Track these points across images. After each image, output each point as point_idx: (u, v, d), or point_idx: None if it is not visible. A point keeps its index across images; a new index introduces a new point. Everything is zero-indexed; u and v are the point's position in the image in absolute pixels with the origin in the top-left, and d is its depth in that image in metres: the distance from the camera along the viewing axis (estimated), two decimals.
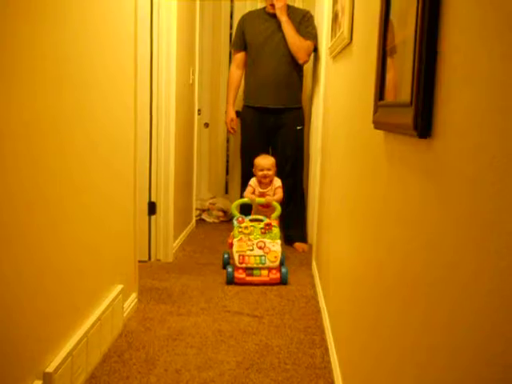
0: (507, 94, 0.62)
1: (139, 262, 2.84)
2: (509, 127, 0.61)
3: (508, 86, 0.62)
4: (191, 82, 4.07)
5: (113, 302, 2.25)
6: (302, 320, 2.60)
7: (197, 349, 2.26)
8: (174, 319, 2.56)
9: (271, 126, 3.93)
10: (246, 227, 3.21)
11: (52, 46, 1.62)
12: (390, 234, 1.17)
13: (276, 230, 3.23)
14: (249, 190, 3.46)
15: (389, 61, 1.17)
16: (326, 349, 2.28)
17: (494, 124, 0.65)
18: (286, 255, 3.50)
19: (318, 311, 2.71)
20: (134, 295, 2.67)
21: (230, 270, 3.08)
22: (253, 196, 3.43)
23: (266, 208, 3.43)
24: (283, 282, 3.08)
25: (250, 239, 3.18)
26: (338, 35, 2.25)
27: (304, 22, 3.76)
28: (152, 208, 3.44)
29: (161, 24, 3.27)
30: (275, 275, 3.08)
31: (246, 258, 3.11)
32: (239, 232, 3.22)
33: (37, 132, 1.55)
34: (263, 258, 3.12)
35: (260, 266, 3.10)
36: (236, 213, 3.37)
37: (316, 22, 3.84)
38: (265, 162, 3.46)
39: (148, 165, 3.38)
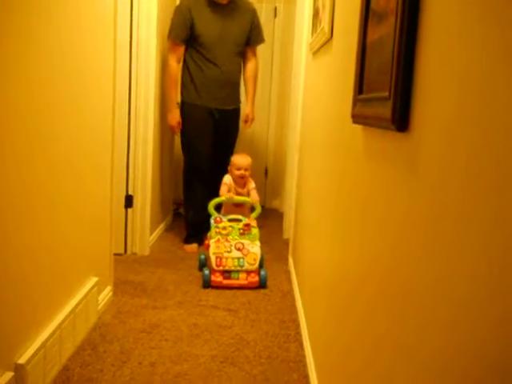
0: (484, 87, 0.63)
1: (115, 255, 2.81)
2: (486, 120, 0.62)
3: (485, 79, 0.63)
4: None
5: (87, 294, 2.23)
6: (278, 314, 2.61)
7: (172, 342, 2.25)
8: (149, 313, 2.55)
9: (218, 124, 3.70)
10: (223, 227, 3.05)
11: (34, 37, 1.59)
12: (372, 229, 1.18)
13: (255, 231, 3.09)
14: (224, 188, 3.27)
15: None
16: (301, 343, 2.29)
17: (470, 117, 0.66)
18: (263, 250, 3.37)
19: (294, 306, 2.72)
20: (109, 288, 2.64)
21: (206, 272, 2.94)
22: (231, 194, 3.25)
23: (241, 207, 3.32)
24: (262, 285, 2.96)
25: (227, 240, 3.02)
26: (318, 31, 2.25)
27: (256, 25, 3.67)
28: (129, 201, 3.41)
29: (141, 12, 3.24)
30: (254, 278, 2.95)
31: (224, 260, 2.96)
32: (216, 232, 3.05)
33: (19, 123, 1.52)
34: (242, 260, 2.97)
35: (238, 268, 2.95)
36: (213, 212, 3.18)
37: (296, 17, 3.85)
38: (243, 161, 3.32)
39: (126, 157, 3.35)
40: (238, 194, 3.31)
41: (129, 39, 3.24)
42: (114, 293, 2.73)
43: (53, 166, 1.84)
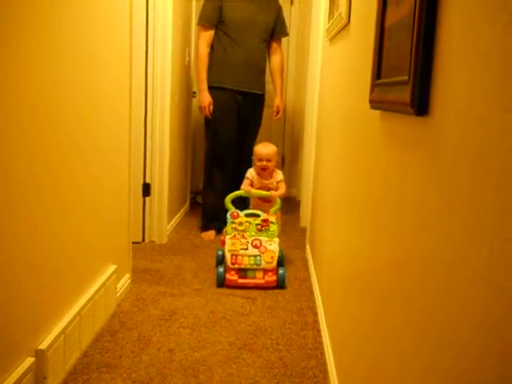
0: (506, 69, 0.61)
1: (133, 243, 2.83)
2: (508, 103, 0.60)
3: (508, 61, 0.61)
4: (187, 63, 4.04)
5: (106, 281, 2.25)
6: (295, 302, 2.62)
7: (190, 329, 2.27)
8: (167, 300, 2.57)
9: (242, 108, 3.73)
10: (240, 223, 2.88)
11: (47, 32, 1.59)
12: (388, 216, 1.17)
13: (274, 227, 2.90)
14: (246, 182, 3.09)
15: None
16: (319, 330, 2.30)
17: (492, 100, 0.65)
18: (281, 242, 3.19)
19: (311, 293, 2.72)
20: (127, 276, 2.67)
21: (220, 270, 2.79)
22: (249, 188, 3.05)
23: (267, 203, 3.08)
24: (280, 285, 2.77)
25: (244, 237, 2.86)
26: (335, 17, 2.23)
27: (280, 19, 3.80)
28: (146, 189, 3.43)
29: (156, 3, 3.24)
30: (271, 278, 2.77)
31: (239, 257, 2.80)
32: (232, 228, 2.88)
33: (32, 119, 1.53)
34: (258, 258, 2.80)
35: (254, 267, 2.78)
36: (231, 206, 3.00)
37: (313, 4, 3.83)
38: (265, 151, 3.07)
39: (143, 146, 3.36)
40: (264, 186, 3.09)
41: (145, 26, 3.24)
42: (133, 280, 2.75)
43: (67, 157, 1.85)
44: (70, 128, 1.82)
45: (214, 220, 3.71)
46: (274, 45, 3.83)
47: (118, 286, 2.49)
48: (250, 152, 3.34)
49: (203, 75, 3.62)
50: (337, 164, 2.13)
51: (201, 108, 3.65)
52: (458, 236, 0.73)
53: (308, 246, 3.33)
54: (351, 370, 1.54)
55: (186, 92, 4.12)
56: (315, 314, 2.47)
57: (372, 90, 1.25)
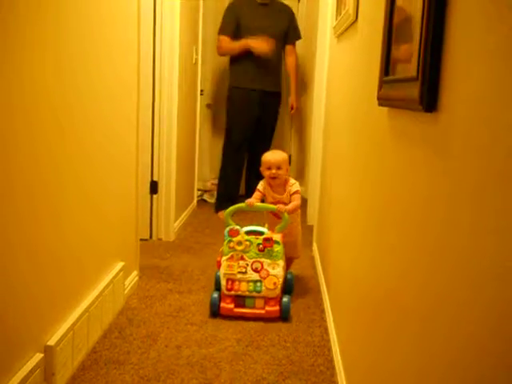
0: None
1: (140, 240, 2.84)
2: None
3: None
4: (194, 61, 4.04)
5: (114, 278, 2.26)
6: (302, 299, 2.62)
7: (197, 326, 2.27)
8: (175, 297, 2.58)
9: (260, 105, 4.13)
10: (239, 242, 2.44)
11: (53, 27, 1.60)
12: (396, 212, 1.17)
13: (278, 248, 2.45)
14: (256, 196, 2.67)
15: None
16: (326, 328, 2.30)
17: (500, 97, 0.65)
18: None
19: (318, 291, 2.72)
20: (135, 273, 2.68)
21: (215, 296, 2.39)
22: (252, 200, 2.63)
23: (279, 219, 2.60)
24: (283, 317, 2.37)
25: (243, 258, 2.43)
26: (342, 14, 2.23)
27: (293, 25, 4.22)
28: (154, 187, 3.44)
29: (164, 1, 3.24)
30: (273, 307, 2.36)
31: (236, 283, 2.39)
32: (230, 248, 2.45)
33: (37, 119, 1.53)
34: (258, 284, 2.39)
35: (254, 294, 2.38)
36: (231, 222, 2.56)
37: (320, 1, 3.83)
38: (274, 157, 2.65)
39: (150, 144, 3.37)
40: (277, 202, 2.64)
41: (152, 25, 3.24)
42: (140, 277, 2.77)
43: (77, 154, 1.86)
44: (76, 127, 1.83)
45: (228, 201, 3.91)
46: (288, 48, 4.25)
47: (126, 282, 2.50)
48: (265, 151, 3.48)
49: (235, 45, 4.00)
50: (344, 161, 2.13)
51: (261, 48, 3.93)
52: (464, 232, 0.73)
53: (315, 244, 3.33)
54: (358, 367, 1.54)
55: (194, 91, 4.12)
56: (322, 311, 2.47)
57: (380, 87, 1.25)
